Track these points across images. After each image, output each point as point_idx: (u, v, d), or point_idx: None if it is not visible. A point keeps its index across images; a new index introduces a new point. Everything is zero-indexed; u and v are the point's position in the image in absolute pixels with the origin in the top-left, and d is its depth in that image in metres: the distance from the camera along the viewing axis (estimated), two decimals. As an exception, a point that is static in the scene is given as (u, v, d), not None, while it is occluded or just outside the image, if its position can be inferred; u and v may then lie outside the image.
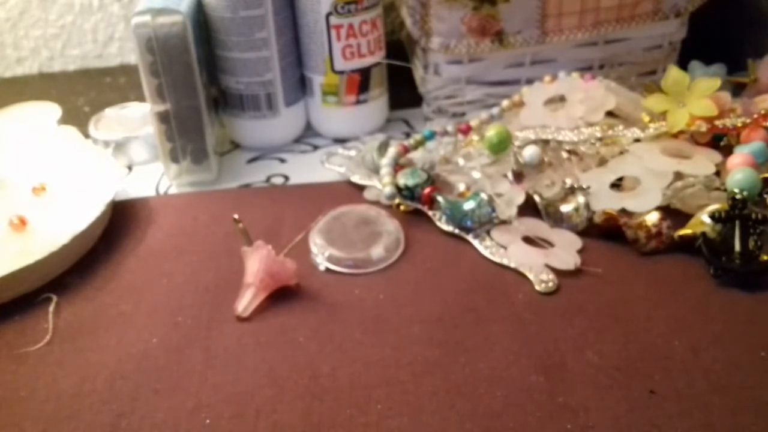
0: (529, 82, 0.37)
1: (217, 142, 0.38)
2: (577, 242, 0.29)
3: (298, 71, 0.38)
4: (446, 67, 0.38)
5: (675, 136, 0.32)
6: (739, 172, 0.29)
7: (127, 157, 0.39)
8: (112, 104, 0.42)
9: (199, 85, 0.34)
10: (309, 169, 0.37)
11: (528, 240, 0.30)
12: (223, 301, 0.28)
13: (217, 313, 0.27)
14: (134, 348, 0.26)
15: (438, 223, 0.31)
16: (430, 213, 0.32)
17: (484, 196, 0.30)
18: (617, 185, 0.31)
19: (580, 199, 0.30)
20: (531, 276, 0.28)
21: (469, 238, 0.30)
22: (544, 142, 0.33)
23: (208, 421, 0.23)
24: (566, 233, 0.30)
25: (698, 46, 0.39)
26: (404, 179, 0.32)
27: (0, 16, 0.51)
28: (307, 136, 0.40)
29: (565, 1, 0.36)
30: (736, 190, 0.28)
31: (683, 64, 0.37)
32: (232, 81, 0.37)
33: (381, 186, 0.32)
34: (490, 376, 0.24)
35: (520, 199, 0.31)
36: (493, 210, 0.30)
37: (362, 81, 0.38)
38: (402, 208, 0.32)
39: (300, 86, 0.39)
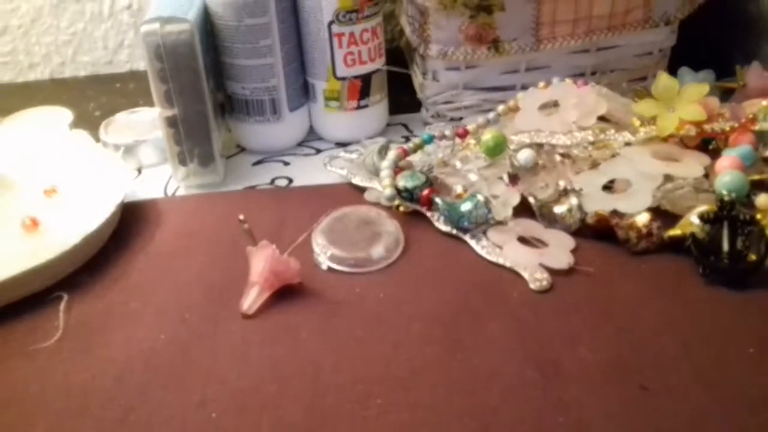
0: (524, 87, 0.37)
1: (223, 145, 0.38)
2: (570, 242, 0.30)
3: (302, 77, 0.39)
4: (444, 73, 0.39)
5: (665, 139, 0.33)
6: (727, 174, 0.30)
7: (136, 160, 0.39)
8: (122, 109, 0.43)
9: (206, 91, 0.34)
10: (312, 171, 0.37)
11: (523, 240, 0.30)
12: (228, 299, 0.28)
13: (223, 311, 0.28)
14: (143, 345, 0.26)
15: (436, 224, 0.32)
16: (428, 214, 0.32)
17: (480, 197, 0.31)
18: (609, 187, 0.31)
19: (573, 200, 0.30)
20: (526, 275, 0.28)
21: (466, 238, 0.31)
22: (539, 146, 0.33)
23: (214, 415, 0.23)
24: (560, 233, 0.30)
25: (687, 53, 0.39)
26: (404, 181, 0.32)
27: (12, 23, 0.52)
28: (310, 139, 0.41)
29: (558, 9, 0.36)
30: (725, 192, 0.29)
31: (673, 71, 0.38)
32: (238, 87, 0.38)
33: (381, 188, 0.32)
34: (487, 373, 0.24)
35: (516, 200, 0.31)
36: (490, 211, 0.31)
37: (363, 87, 0.38)
38: (402, 209, 0.33)
39: (303, 92, 0.39)
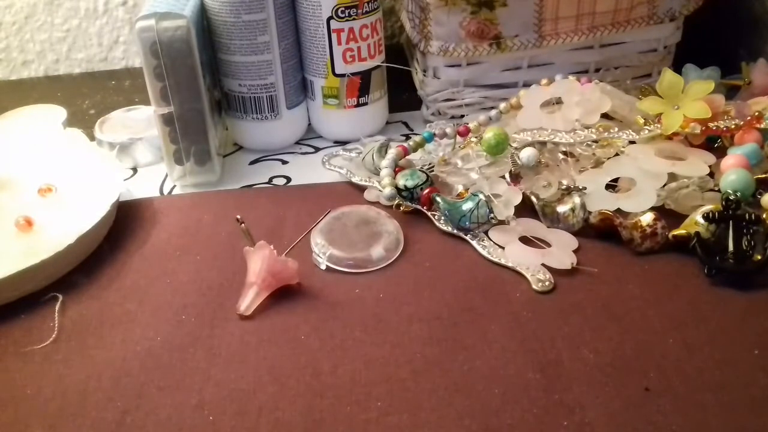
0: (527, 85, 0.37)
1: (220, 144, 0.38)
2: (573, 242, 0.30)
3: (300, 74, 0.39)
4: (445, 70, 0.39)
5: (669, 137, 0.32)
6: (732, 173, 0.29)
7: (132, 158, 0.39)
8: (117, 107, 0.43)
9: (202, 88, 0.34)
10: (310, 170, 0.37)
11: (525, 240, 0.30)
12: (226, 300, 0.28)
13: (220, 312, 0.28)
14: (139, 346, 0.26)
15: (437, 224, 0.32)
16: (429, 213, 0.32)
17: (482, 196, 0.30)
18: (613, 186, 0.31)
19: (576, 199, 0.30)
20: (528, 275, 0.28)
21: (468, 238, 0.31)
22: (541, 144, 0.33)
23: (211, 417, 0.23)
24: (562, 233, 0.30)
25: (693, 50, 0.39)
26: (404, 180, 0.32)
27: (6, 20, 0.51)
28: (309, 137, 0.40)
29: (561, 5, 0.36)
30: (730, 191, 0.28)
31: (678, 68, 0.37)
32: (235, 84, 0.38)
33: (381, 187, 0.32)
34: (488, 374, 0.24)
35: (518, 199, 0.31)
36: (491, 210, 0.30)
37: (363, 84, 0.38)
38: (402, 208, 0.33)
39: (301, 89, 0.39)
